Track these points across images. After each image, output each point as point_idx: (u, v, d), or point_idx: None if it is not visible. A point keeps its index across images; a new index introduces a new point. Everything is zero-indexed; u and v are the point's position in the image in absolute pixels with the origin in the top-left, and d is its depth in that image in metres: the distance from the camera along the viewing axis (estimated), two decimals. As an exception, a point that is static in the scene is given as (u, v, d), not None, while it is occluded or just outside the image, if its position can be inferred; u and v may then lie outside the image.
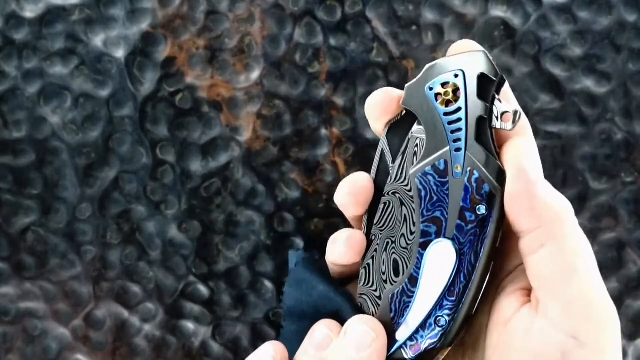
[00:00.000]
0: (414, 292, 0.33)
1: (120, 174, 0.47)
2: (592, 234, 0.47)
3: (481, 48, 0.34)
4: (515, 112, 0.33)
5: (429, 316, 0.33)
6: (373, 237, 0.35)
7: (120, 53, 0.47)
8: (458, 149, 0.33)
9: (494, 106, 0.33)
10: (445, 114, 0.33)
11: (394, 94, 0.35)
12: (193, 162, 0.47)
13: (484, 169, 0.32)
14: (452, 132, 0.33)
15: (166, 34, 0.47)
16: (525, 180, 0.31)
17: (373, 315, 0.34)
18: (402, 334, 0.33)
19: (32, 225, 0.47)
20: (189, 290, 0.48)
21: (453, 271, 0.33)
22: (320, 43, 0.47)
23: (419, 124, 0.34)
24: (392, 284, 0.34)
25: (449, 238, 0.33)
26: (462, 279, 0.33)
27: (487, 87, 0.33)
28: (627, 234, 0.47)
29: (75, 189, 0.47)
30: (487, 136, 0.33)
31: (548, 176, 0.47)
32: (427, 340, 0.33)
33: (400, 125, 0.35)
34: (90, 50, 0.47)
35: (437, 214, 0.33)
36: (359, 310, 0.34)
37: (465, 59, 0.33)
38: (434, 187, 0.33)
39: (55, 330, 0.48)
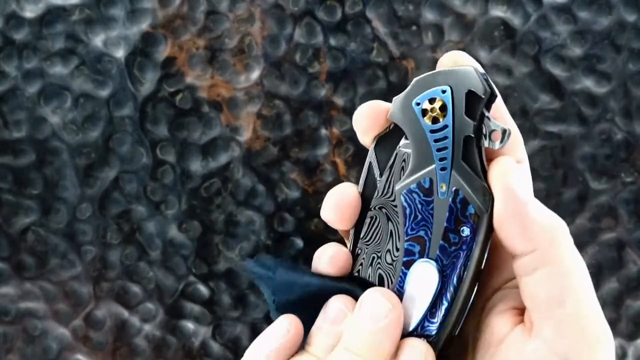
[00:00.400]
0: None
1: (120, 174, 0.47)
2: (592, 234, 0.47)
3: (472, 62, 0.33)
4: (504, 131, 0.31)
5: (410, 336, 0.32)
6: (359, 251, 0.35)
7: (120, 53, 0.47)
8: (443, 168, 0.32)
9: (483, 124, 0.32)
10: (432, 131, 0.32)
11: (382, 107, 0.34)
12: (193, 162, 0.47)
13: (469, 190, 0.32)
14: (438, 150, 0.32)
15: (166, 34, 0.47)
16: (514, 202, 0.31)
17: None
18: None
19: (32, 225, 0.47)
20: (189, 290, 0.48)
21: (435, 293, 0.32)
22: (320, 43, 0.47)
23: (407, 138, 0.33)
24: None
25: (432, 259, 0.32)
26: (444, 301, 0.32)
27: (475, 105, 0.32)
28: (627, 234, 0.47)
29: (75, 189, 0.47)
30: (474, 155, 0.32)
31: (548, 176, 0.47)
32: None
33: (388, 139, 0.34)
34: (90, 50, 0.47)
35: (421, 233, 0.33)
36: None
37: (454, 75, 0.32)
38: (419, 206, 0.33)
39: (55, 330, 0.48)
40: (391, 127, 0.34)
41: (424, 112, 0.33)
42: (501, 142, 0.32)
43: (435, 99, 0.32)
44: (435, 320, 0.32)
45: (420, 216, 0.33)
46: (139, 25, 0.47)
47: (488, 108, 0.32)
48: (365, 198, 0.35)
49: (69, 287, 0.48)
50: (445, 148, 0.32)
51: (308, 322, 0.33)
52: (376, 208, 0.34)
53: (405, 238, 0.33)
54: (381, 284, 0.34)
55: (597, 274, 0.47)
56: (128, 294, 0.48)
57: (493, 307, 0.33)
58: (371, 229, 0.34)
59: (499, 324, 0.32)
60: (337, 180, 0.47)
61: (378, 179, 0.34)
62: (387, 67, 0.47)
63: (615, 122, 0.47)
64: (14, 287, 0.48)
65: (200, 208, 0.48)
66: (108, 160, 0.47)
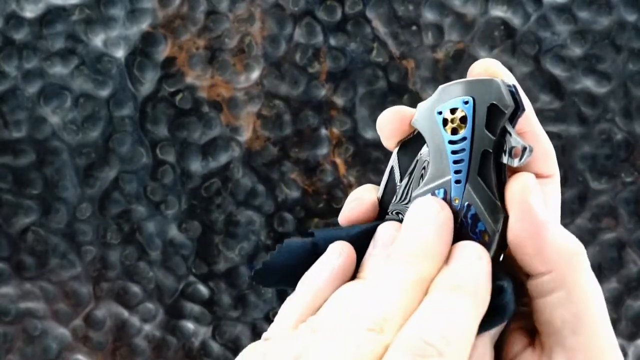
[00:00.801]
0: None
1: (120, 174, 0.47)
2: (592, 234, 0.47)
3: (503, 72, 0.32)
4: (525, 149, 0.30)
5: None
6: None
7: (120, 53, 0.47)
8: (458, 181, 0.31)
9: (504, 139, 0.31)
10: (451, 142, 0.32)
11: (406, 113, 0.33)
12: (193, 162, 0.47)
13: (481, 207, 0.31)
14: (455, 162, 0.32)
15: (166, 34, 0.47)
16: (531, 221, 0.29)
17: None
18: None
19: (32, 225, 0.47)
20: (189, 290, 0.48)
21: None
22: (320, 43, 0.47)
23: (428, 146, 0.33)
24: None
25: None
26: None
27: (498, 119, 0.31)
28: (627, 234, 0.47)
29: (75, 189, 0.47)
30: (490, 171, 0.31)
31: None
32: None
33: (411, 144, 0.33)
34: (90, 50, 0.47)
35: None
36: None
37: (479, 86, 0.31)
38: None
39: (55, 330, 0.48)
40: (415, 132, 0.34)
41: (445, 122, 0.32)
42: (520, 159, 0.30)
43: (457, 109, 0.32)
44: None
45: None
46: (139, 25, 0.47)
47: (512, 122, 0.31)
48: (385, 202, 0.34)
49: (69, 287, 0.48)
50: (461, 161, 0.31)
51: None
52: (393, 213, 0.34)
53: None
54: None
55: (597, 274, 0.47)
56: (128, 294, 0.48)
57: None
58: None
59: (509, 342, 0.32)
60: (337, 180, 0.47)
61: (398, 184, 0.34)
62: (387, 67, 0.47)
63: (616, 122, 0.47)
64: (14, 287, 0.48)
65: (200, 208, 0.48)
66: (108, 160, 0.47)
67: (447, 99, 0.32)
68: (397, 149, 0.34)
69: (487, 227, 0.31)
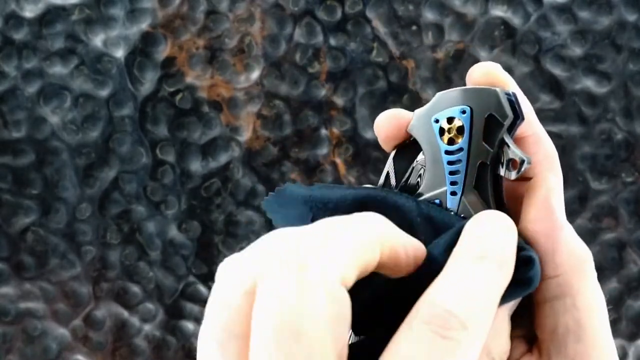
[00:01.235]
0: None
1: (120, 174, 0.47)
2: (592, 234, 0.47)
3: (504, 77, 0.31)
4: (522, 161, 0.29)
5: None
6: None
7: (120, 53, 0.47)
8: (454, 193, 0.31)
9: (502, 151, 0.30)
10: (447, 152, 0.31)
11: (403, 118, 0.33)
12: (193, 162, 0.47)
13: None
14: (451, 173, 0.31)
15: (166, 33, 0.47)
16: (551, 222, 0.29)
17: None
18: None
19: (32, 225, 0.47)
20: (189, 290, 0.48)
21: None
22: (320, 43, 0.47)
23: (424, 153, 0.32)
24: None
25: None
26: None
27: (495, 131, 0.30)
28: (628, 234, 0.47)
29: (75, 189, 0.47)
30: (487, 184, 0.30)
31: (548, 176, 0.47)
32: None
33: (408, 150, 0.33)
34: (90, 50, 0.47)
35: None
36: None
37: (478, 95, 0.31)
38: None
39: (55, 330, 0.48)
40: (412, 138, 0.33)
41: (442, 131, 0.31)
42: (518, 172, 0.30)
43: (454, 118, 0.31)
44: None
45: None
46: (139, 25, 0.47)
47: (511, 132, 0.31)
48: None
49: (68, 287, 0.48)
50: (457, 172, 0.31)
51: None
52: None
53: None
54: None
55: (598, 274, 0.47)
56: (128, 294, 0.48)
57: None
58: None
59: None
60: (337, 180, 0.47)
61: (394, 190, 0.34)
62: (387, 67, 0.47)
63: (616, 122, 0.47)
64: (14, 287, 0.48)
65: (200, 208, 0.47)
66: (108, 160, 0.47)
67: (444, 107, 0.31)
68: (393, 154, 0.34)
69: None
